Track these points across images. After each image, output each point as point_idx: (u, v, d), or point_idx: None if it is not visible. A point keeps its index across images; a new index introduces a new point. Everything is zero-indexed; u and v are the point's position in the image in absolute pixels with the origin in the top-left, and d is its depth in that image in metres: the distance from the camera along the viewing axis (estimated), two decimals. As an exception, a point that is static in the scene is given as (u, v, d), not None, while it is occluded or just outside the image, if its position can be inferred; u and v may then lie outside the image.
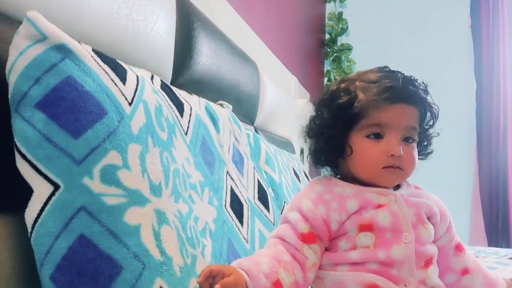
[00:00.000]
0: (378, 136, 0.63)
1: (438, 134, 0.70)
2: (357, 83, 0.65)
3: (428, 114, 0.67)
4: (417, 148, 0.67)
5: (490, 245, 2.56)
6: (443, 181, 2.62)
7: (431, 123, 0.68)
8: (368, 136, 0.63)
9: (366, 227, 0.61)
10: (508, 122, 2.66)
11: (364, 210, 0.62)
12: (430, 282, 0.62)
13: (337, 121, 0.65)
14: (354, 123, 0.64)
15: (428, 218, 0.65)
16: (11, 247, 0.50)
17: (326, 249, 0.64)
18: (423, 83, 0.66)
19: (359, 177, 0.65)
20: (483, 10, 2.77)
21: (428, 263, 0.63)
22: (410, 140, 0.64)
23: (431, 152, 0.71)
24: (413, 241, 0.61)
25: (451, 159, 2.69)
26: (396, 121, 0.62)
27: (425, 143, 0.69)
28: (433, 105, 0.67)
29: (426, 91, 0.66)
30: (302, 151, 2.35)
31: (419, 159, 0.69)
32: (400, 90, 0.62)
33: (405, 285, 0.59)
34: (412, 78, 0.65)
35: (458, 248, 0.71)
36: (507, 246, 2.48)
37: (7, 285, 0.49)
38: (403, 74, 0.65)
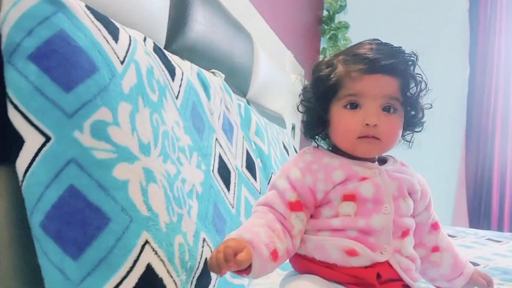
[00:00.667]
0: (355, 107, 0.63)
1: (431, 106, 0.69)
2: (340, 57, 0.66)
3: (413, 84, 0.66)
4: (406, 118, 0.67)
5: (471, 227, 2.64)
6: (431, 163, 2.66)
7: (416, 93, 0.66)
8: (345, 107, 0.64)
9: (349, 197, 0.63)
10: (498, 108, 2.69)
11: (349, 182, 0.64)
12: (405, 252, 0.64)
13: (317, 93, 0.66)
14: (333, 95, 0.65)
15: (409, 194, 0.67)
16: (4, 195, 0.52)
17: (311, 216, 0.66)
18: (413, 54, 0.66)
19: (340, 148, 0.67)
20: (482, -5, 2.76)
21: (404, 234, 0.65)
22: (392, 110, 0.64)
23: (423, 122, 0.69)
24: (392, 213, 0.63)
25: (440, 142, 2.74)
26: (371, 91, 0.62)
27: (413, 113, 0.68)
28: (417, 75, 0.66)
29: (412, 62, 0.65)
30: (293, 127, 2.36)
31: (415, 131, 0.69)
32: (376, 61, 0.62)
33: (381, 253, 0.62)
34: (398, 49, 0.65)
35: (434, 226, 0.73)
36: (488, 229, 2.56)
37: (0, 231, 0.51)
38: (392, 46, 0.65)
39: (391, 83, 0.63)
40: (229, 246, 0.52)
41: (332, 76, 0.64)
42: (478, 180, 2.70)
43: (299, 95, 0.71)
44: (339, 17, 3.09)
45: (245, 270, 0.54)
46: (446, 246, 0.73)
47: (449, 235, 1.61)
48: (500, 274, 1.06)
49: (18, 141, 0.49)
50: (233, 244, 0.53)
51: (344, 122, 0.64)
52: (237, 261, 0.51)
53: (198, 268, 0.64)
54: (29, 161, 0.49)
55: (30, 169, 0.48)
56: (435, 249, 0.72)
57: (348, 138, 0.64)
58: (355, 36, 2.99)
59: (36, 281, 0.51)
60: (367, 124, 0.62)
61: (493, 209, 2.66)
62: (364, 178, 0.64)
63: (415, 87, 0.66)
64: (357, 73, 0.62)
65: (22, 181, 0.49)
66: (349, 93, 0.63)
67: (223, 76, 1.08)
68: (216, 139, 0.88)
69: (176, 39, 0.98)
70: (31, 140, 0.49)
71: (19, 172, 0.49)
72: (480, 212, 2.68)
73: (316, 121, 0.67)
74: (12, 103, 0.49)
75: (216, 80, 1.00)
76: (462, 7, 2.85)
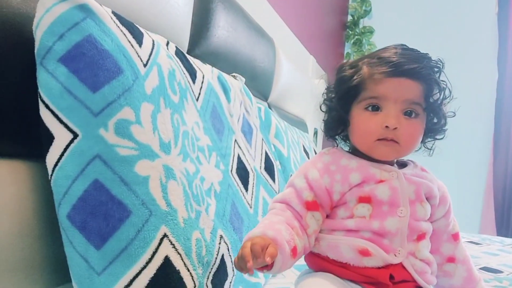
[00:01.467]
0: (376, 109, 0.64)
1: (454, 114, 0.68)
2: (365, 59, 0.67)
3: (437, 91, 0.65)
4: (427, 125, 0.67)
5: (499, 235, 2.56)
6: (458, 170, 2.61)
7: (439, 99, 0.66)
8: (366, 109, 0.64)
9: (365, 199, 0.63)
10: (528, 114, 2.61)
11: (366, 184, 0.64)
12: (419, 255, 0.64)
13: (339, 93, 0.67)
14: (355, 96, 0.65)
15: (427, 199, 0.67)
16: (32, 190, 0.56)
17: (327, 216, 0.67)
18: (439, 61, 0.66)
19: (358, 149, 0.68)
20: (512, -2, 2.69)
21: (420, 237, 0.65)
22: (413, 115, 0.64)
23: (445, 130, 0.69)
24: (408, 216, 0.63)
25: (468, 148, 2.67)
26: (393, 94, 0.63)
27: (435, 120, 0.68)
28: (442, 82, 0.66)
29: (438, 69, 0.65)
30: (315, 132, 2.37)
31: (436, 138, 0.69)
32: (400, 65, 0.62)
33: (395, 255, 0.62)
34: (423, 54, 0.65)
35: (454, 237, 0.72)
36: (516, 238, 2.48)
37: (29, 225, 0.55)
38: (418, 51, 0.65)
39: (414, 87, 0.63)
40: (256, 243, 0.53)
41: (355, 77, 0.65)
42: (506, 187, 2.62)
43: (322, 94, 0.72)
44: (364, 22, 3.08)
45: (267, 266, 0.55)
46: (462, 259, 0.72)
47: (474, 243, 1.59)
48: (524, 282, 1.03)
49: (48, 138, 0.53)
50: (259, 241, 0.54)
51: (363, 123, 0.64)
52: (267, 255, 0.52)
53: (214, 263, 0.66)
54: (58, 156, 0.52)
55: (59, 164, 0.52)
56: (451, 259, 0.72)
57: (366, 139, 0.65)
58: (379, 41, 2.97)
59: (62, 269, 0.54)
60: (386, 127, 0.62)
61: (523, 217, 2.58)
62: (381, 181, 0.64)
63: (438, 94, 0.65)
64: (380, 75, 0.63)
65: (51, 175, 0.52)
66: (371, 95, 0.64)
67: (244, 79, 1.11)
68: (235, 140, 0.91)
69: (198, 44, 1.01)
70: (60, 137, 0.52)
71: (49, 167, 0.53)
72: (508, 220, 2.60)
73: (337, 121, 0.68)
74: (44, 102, 0.53)
75: (236, 83, 1.03)
76: (491, 10, 2.78)
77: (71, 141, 0.52)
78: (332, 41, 2.94)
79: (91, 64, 0.53)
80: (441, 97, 0.66)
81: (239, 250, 0.54)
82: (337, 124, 0.69)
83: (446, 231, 0.71)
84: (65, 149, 0.52)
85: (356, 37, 3.06)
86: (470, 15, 2.79)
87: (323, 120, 0.72)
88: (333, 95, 0.69)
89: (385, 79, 0.63)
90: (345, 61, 0.72)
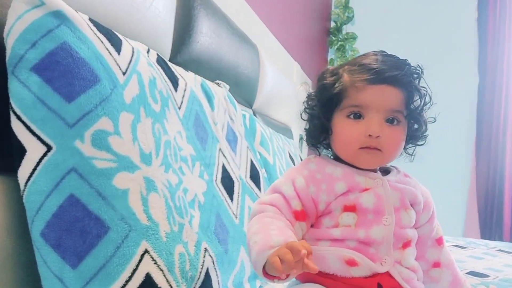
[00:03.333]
0: (358, 117, 0.63)
1: (435, 120, 0.68)
2: (346, 66, 0.66)
3: (417, 97, 0.65)
4: (408, 131, 0.67)
5: (483, 238, 2.59)
6: (441, 174, 2.64)
7: (420, 106, 0.66)
8: (348, 116, 0.64)
9: (350, 208, 0.63)
10: (509, 118, 2.66)
11: (351, 193, 0.63)
12: (405, 263, 0.63)
13: (321, 101, 0.66)
14: (336, 104, 0.65)
15: (412, 205, 0.66)
16: (4, 205, 0.53)
17: (311, 225, 0.66)
18: (418, 67, 0.65)
19: (341, 157, 0.67)
20: (491, 4, 2.74)
21: (405, 245, 0.64)
22: (395, 122, 0.64)
23: (426, 136, 0.69)
24: (393, 224, 0.62)
25: (450, 152, 2.71)
26: (375, 102, 0.62)
27: (416, 127, 0.68)
28: (422, 88, 0.65)
29: (417, 75, 0.65)
30: (301, 138, 2.36)
31: (417, 144, 0.69)
32: (381, 72, 0.62)
33: (381, 264, 0.61)
34: (403, 61, 0.65)
35: (438, 241, 0.72)
36: (500, 240, 2.51)
37: (0, 243, 0.52)
38: (398, 58, 0.65)
39: (396, 95, 0.63)
40: (287, 252, 0.51)
41: (336, 85, 0.64)
42: (489, 190, 2.66)
43: (303, 102, 0.71)
44: (347, 28, 3.11)
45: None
46: (447, 263, 0.72)
47: (459, 246, 1.60)
48: (510, 286, 1.03)
49: (20, 151, 0.50)
50: (287, 250, 0.51)
51: (346, 131, 0.63)
52: (304, 265, 0.50)
53: (199, 278, 0.63)
54: (30, 170, 0.49)
55: (31, 179, 0.49)
56: (436, 264, 0.72)
57: (349, 148, 0.64)
58: (363, 47, 3.00)
59: (36, 290, 0.51)
60: (369, 135, 0.62)
61: (505, 219, 2.61)
62: (366, 189, 0.63)
63: (419, 100, 0.65)
64: (361, 83, 0.62)
65: (24, 190, 0.50)
66: (353, 103, 0.63)
67: (228, 87, 1.09)
68: (220, 149, 0.89)
69: (181, 51, 0.99)
70: (33, 150, 0.50)
71: (21, 182, 0.50)
72: (491, 223, 2.63)
73: (319, 129, 0.67)
74: (15, 113, 0.50)
75: (220, 90, 1.01)
76: (471, 16, 2.84)
77: (45, 154, 0.50)
78: (316, 47, 2.95)
79: (66, 73, 0.51)
80: (422, 103, 0.66)
81: (273, 261, 0.51)
82: (319, 132, 0.68)
83: (430, 237, 0.71)
84: (38, 163, 0.49)
85: (340, 43, 3.08)
86: (450, 21, 2.84)
87: (304, 128, 0.71)
88: (314, 103, 0.68)
89: (367, 87, 0.62)
90: (325, 68, 0.71)
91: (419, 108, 0.66)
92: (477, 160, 2.73)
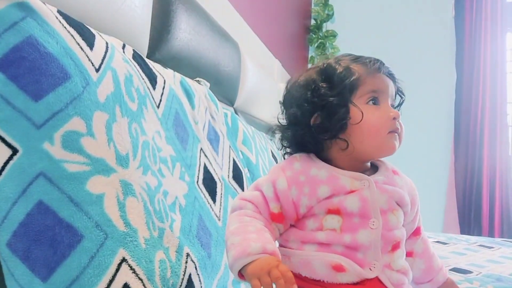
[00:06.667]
0: (376, 102, 0.64)
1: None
2: (342, 61, 0.66)
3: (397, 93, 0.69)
4: None
5: (462, 233, 2.63)
6: (420, 170, 2.66)
7: (400, 103, 0.69)
8: (367, 103, 0.63)
9: (334, 211, 0.61)
10: (486, 115, 2.71)
11: (335, 196, 0.61)
12: (395, 265, 0.62)
13: (339, 90, 0.63)
14: (353, 92, 0.63)
15: (399, 206, 0.65)
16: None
17: (294, 226, 0.64)
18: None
19: (362, 150, 0.63)
20: (467, 3, 2.79)
21: (395, 247, 0.63)
22: (396, 109, 0.66)
23: None
24: (380, 227, 0.60)
25: (429, 149, 2.74)
26: (386, 89, 0.64)
27: None
28: (399, 87, 0.69)
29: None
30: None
31: None
32: (381, 63, 0.65)
33: (370, 269, 0.59)
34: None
35: (415, 232, 0.71)
36: (479, 235, 2.55)
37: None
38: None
39: (392, 85, 0.66)
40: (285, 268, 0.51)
41: (353, 71, 0.63)
42: (467, 186, 2.70)
43: (298, 103, 0.66)
44: (327, 26, 3.10)
45: None
46: (421, 252, 0.72)
47: (441, 242, 1.61)
48: (493, 282, 1.04)
49: (-18, 154, 0.46)
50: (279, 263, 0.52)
51: (373, 117, 0.62)
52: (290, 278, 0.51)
53: (181, 285, 0.60)
54: (-6, 175, 0.45)
55: (-4, 184, 0.45)
56: (408, 254, 0.70)
57: (379, 133, 0.62)
58: (343, 44, 3.01)
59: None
60: (394, 118, 0.62)
61: (484, 215, 2.66)
62: (351, 191, 0.61)
63: (399, 97, 0.68)
64: (374, 70, 0.63)
65: (-13, 197, 0.46)
66: (371, 89, 0.63)
67: (208, 84, 1.06)
68: (201, 149, 0.86)
69: (159, 48, 0.95)
70: (-3, 153, 0.45)
71: (-16, 188, 0.46)
72: (470, 218, 2.67)
73: (339, 117, 0.62)
74: (-24, 113, 0.46)
75: (200, 88, 0.98)
76: (448, 14, 2.88)
77: (10, 158, 0.45)
78: (296, 45, 2.94)
79: (33, 69, 0.47)
80: (401, 101, 0.69)
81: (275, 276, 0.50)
82: (335, 124, 0.62)
83: (410, 232, 0.70)
84: (3, 167, 0.45)
85: (320, 40, 3.07)
86: (428, 19, 2.87)
87: (313, 124, 0.64)
88: (329, 93, 0.63)
89: (378, 74, 0.64)
90: (307, 69, 0.69)
91: (399, 105, 0.69)
92: (455, 156, 2.77)
